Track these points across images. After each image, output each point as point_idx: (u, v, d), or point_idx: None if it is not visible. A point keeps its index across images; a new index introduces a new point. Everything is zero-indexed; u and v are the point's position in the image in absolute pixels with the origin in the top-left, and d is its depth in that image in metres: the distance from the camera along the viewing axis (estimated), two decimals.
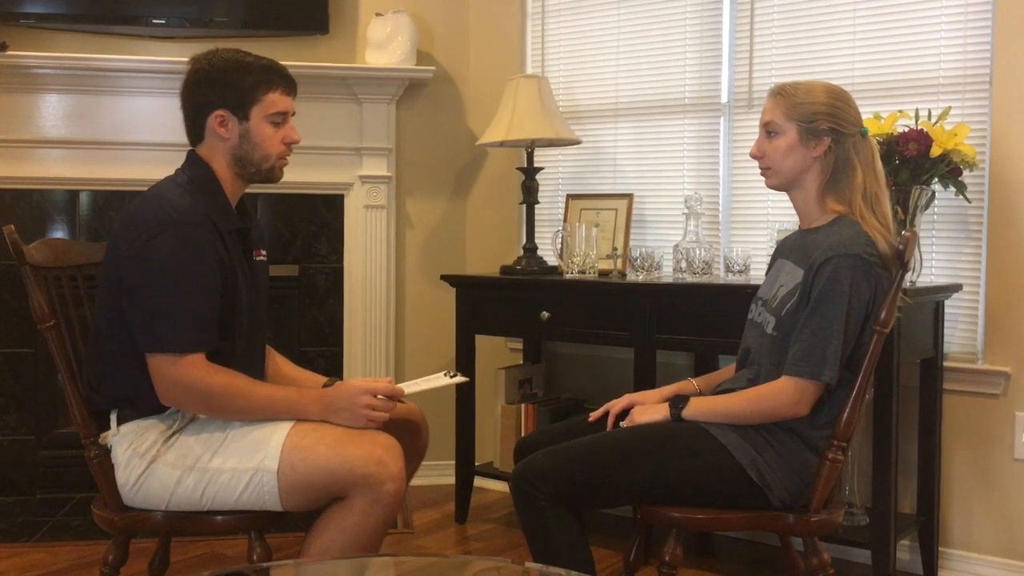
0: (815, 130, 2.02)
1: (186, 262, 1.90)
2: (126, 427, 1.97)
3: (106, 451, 1.97)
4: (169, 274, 1.89)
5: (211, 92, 2.01)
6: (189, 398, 1.92)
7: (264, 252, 2.18)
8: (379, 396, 1.95)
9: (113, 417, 1.98)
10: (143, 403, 1.97)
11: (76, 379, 2.00)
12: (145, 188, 2.04)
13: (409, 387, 2.06)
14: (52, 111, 3.43)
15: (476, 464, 3.33)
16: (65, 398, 2.00)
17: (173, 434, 1.96)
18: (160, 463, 1.93)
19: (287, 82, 2.06)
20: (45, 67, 3.36)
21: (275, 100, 2.03)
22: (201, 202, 1.97)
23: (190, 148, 2.08)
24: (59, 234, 3.45)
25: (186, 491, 1.92)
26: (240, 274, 2.02)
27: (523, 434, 3.20)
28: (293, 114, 2.09)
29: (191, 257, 1.91)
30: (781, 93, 2.07)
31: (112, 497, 1.97)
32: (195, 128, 2.06)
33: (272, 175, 2.09)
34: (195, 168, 2.04)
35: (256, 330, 2.11)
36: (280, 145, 2.06)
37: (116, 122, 3.44)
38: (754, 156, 2.12)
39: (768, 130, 2.08)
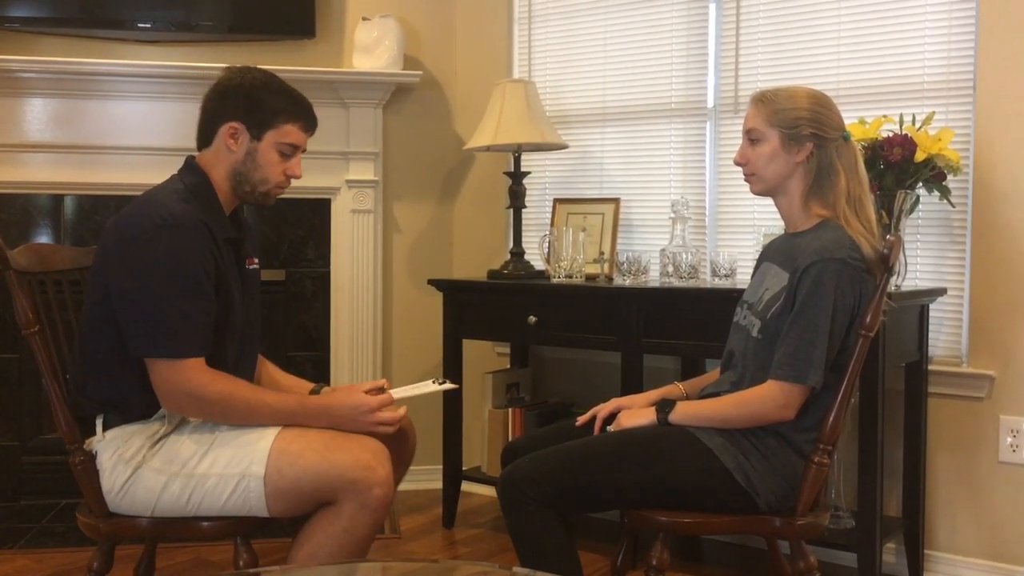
0: (797, 135, 2.03)
1: (182, 266, 1.90)
2: (111, 433, 1.96)
3: (91, 457, 1.96)
4: (165, 278, 1.88)
5: (233, 103, 2.02)
6: (191, 404, 1.92)
7: (256, 261, 2.18)
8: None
9: (99, 422, 1.97)
10: (129, 408, 1.97)
11: (61, 384, 1.98)
12: (131, 192, 2.05)
13: (396, 394, 2.06)
14: (37, 115, 3.41)
15: (464, 469, 3.33)
16: (50, 403, 1.99)
17: (159, 440, 1.95)
18: (146, 469, 1.92)
19: (310, 119, 2.08)
20: (30, 71, 3.35)
21: (291, 132, 2.04)
22: (197, 209, 1.97)
23: (188, 155, 2.08)
24: (44, 239, 3.43)
25: (172, 497, 1.91)
26: (233, 282, 2.02)
27: (510, 438, 3.20)
28: (303, 151, 2.10)
29: (186, 261, 1.90)
30: (762, 100, 2.08)
31: (97, 503, 1.96)
32: (206, 133, 2.06)
33: (265, 199, 2.10)
34: (192, 176, 2.04)
35: (248, 338, 2.11)
36: (281, 175, 2.07)
37: (101, 126, 3.42)
38: (738, 163, 2.13)
39: (751, 137, 2.09)
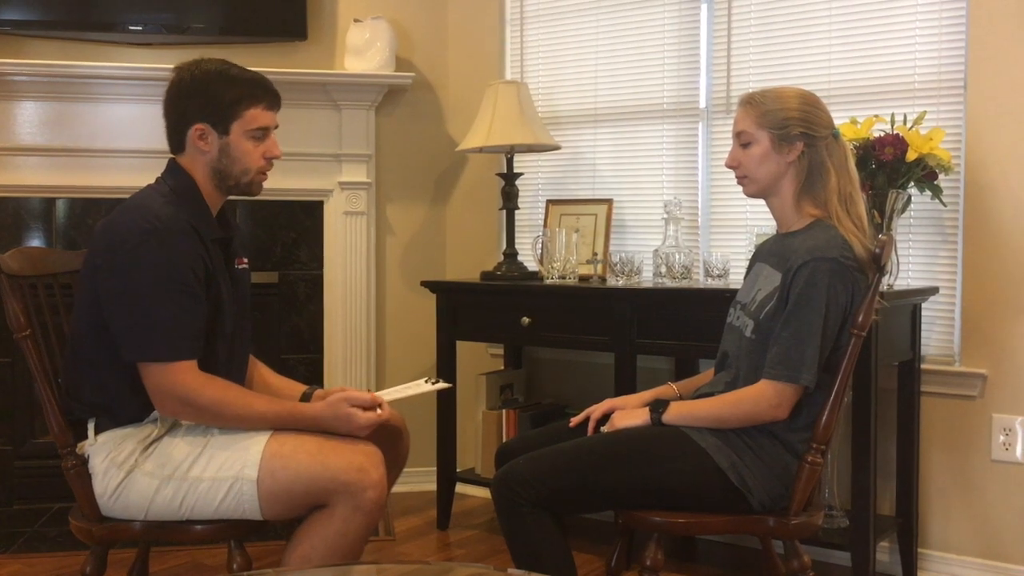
0: (787, 136, 2.04)
1: (171, 270, 1.89)
2: (104, 436, 1.95)
3: (83, 461, 1.95)
4: (155, 282, 1.88)
5: (192, 105, 2.00)
6: (184, 408, 1.91)
7: (246, 261, 2.17)
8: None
9: (91, 426, 1.97)
10: (121, 412, 1.96)
11: (53, 388, 1.98)
12: (122, 196, 2.03)
13: (389, 394, 2.05)
14: (28, 118, 3.40)
15: (457, 470, 3.33)
16: (42, 407, 1.98)
17: (152, 443, 1.95)
18: (138, 472, 1.92)
19: (271, 96, 2.04)
20: (21, 74, 3.34)
21: (256, 115, 2.01)
22: (184, 211, 1.96)
23: (171, 157, 2.07)
24: (35, 242, 3.42)
25: (165, 500, 1.91)
26: (222, 283, 2.01)
27: (504, 440, 3.20)
28: (276, 127, 2.07)
29: (176, 265, 1.90)
30: (750, 102, 2.08)
31: (90, 507, 1.95)
32: (176, 138, 2.04)
33: (251, 189, 2.08)
34: (176, 177, 2.03)
35: (238, 339, 2.10)
36: (260, 160, 2.05)
37: (93, 129, 3.42)
38: (729, 166, 2.13)
39: (741, 140, 2.09)
